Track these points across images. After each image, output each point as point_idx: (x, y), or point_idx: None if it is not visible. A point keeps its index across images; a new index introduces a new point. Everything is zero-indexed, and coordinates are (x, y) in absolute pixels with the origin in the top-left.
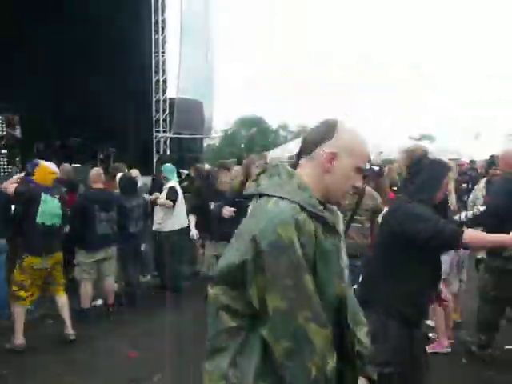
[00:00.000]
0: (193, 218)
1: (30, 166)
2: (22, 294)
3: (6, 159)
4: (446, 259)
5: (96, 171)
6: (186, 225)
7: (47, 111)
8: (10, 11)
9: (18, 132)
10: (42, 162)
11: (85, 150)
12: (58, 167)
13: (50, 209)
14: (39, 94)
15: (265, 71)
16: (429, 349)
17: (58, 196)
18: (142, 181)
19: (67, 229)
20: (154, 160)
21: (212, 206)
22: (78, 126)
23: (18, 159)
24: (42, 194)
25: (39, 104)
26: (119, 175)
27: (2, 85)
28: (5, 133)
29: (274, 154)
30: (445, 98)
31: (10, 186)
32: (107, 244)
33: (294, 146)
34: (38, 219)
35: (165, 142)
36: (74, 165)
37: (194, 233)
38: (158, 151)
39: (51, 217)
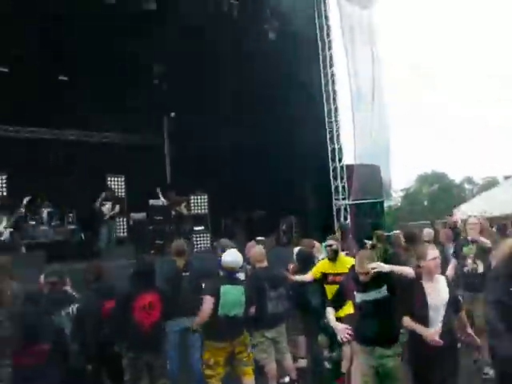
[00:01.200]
0: None
1: (220, 248)
2: (209, 372)
3: (201, 235)
4: None
5: (259, 249)
6: None
7: (232, 187)
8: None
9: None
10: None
11: (268, 221)
12: (245, 241)
13: (231, 299)
14: (225, 172)
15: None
16: None
17: (239, 285)
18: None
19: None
20: (335, 228)
21: None
22: (260, 199)
23: (208, 235)
24: (221, 286)
25: (225, 181)
26: (296, 249)
27: (193, 167)
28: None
29: (461, 212)
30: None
31: None
32: (279, 321)
33: (480, 202)
34: (220, 311)
35: (345, 209)
36: (258, 238)
37: None
38: (338, 219)
39: (233, 307)
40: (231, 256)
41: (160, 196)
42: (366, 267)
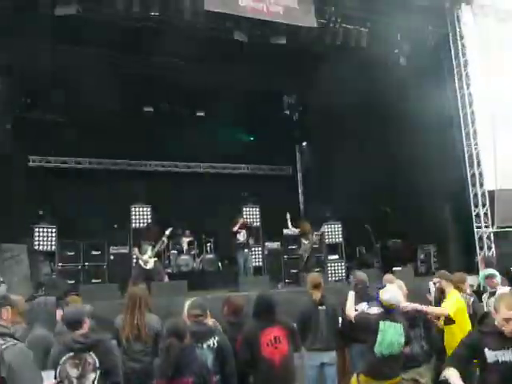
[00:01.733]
0: None
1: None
2: None
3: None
4: None
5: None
6: None
7: (367, 215)
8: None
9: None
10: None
11: (404, 250)
12: (381, 271)
13: (389, 338)
14: (359, 201)
15: None
16: None
17: (399, 322)
18: (469, 281)
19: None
20: (478, 257)
21: None
22: (396, 227)
23: (343, 264)
24: (381, 322)
25: (359, 211)
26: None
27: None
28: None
29: None
30: None
31: (351, 311)
32: (415, 364)
33: None
34: (376, 349)
35: (488, 238)
36: (395, 268)
37: None
38: (481, 247)
39: (390, 346)
40: (390, 293)
41: (289, 224)
42: None
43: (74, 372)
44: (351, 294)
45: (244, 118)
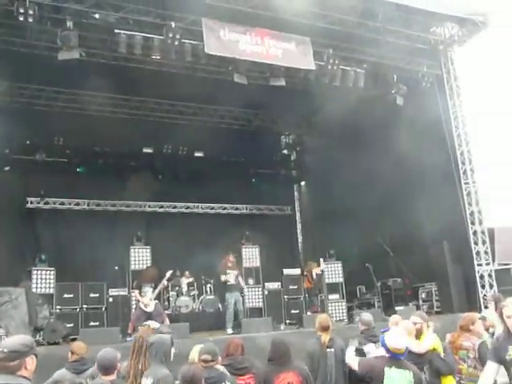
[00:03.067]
0: None
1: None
2: None
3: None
4: None
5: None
6: None
7: (366, 255)
8: None
9: None
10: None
11: (405, 289)
12: (383, 310)
13: None
14: (357, 240)
15: None
16: None
17: (408, 369)
18: None
19: None
20: (480, 296)
21: None
22: (396, 266)
23: (344, 304)
24: (386, 368)
25: (357, 250)
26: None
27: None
28: None
29: None
30: None
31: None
32: None
33: None
34: None
35: (489, 275)
36: (397, 308)
37: None
38: (482, 286)
39: None
40: (395, 337)
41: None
42: None
43: None
44: (351, 348)
45: (242, 158)
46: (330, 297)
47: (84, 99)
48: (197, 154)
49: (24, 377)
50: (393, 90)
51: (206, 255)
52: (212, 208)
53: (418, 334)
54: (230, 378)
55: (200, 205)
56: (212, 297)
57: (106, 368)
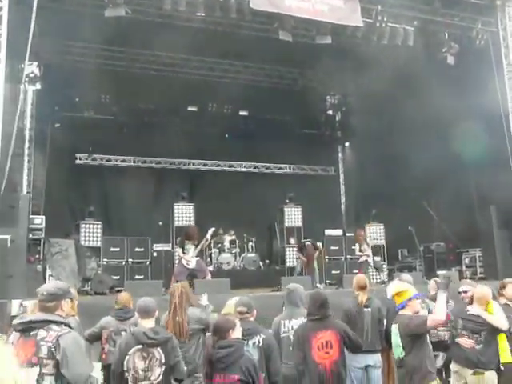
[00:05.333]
0: None
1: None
2: None
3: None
4: None
5: None
6: None
7: (409, 218)
8: None
9: None
10: None
11: (449, 254)
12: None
13: None
14: (400, 202)
15: None
16: None
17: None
18: None
19: None
20: None
21: None
22: (439, 230)
23: (385, 266)
24: None
25: (401, 212)
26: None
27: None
28: None
29: None
30: None
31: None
32: None
33: None
34: None
35: None
36: (439, 272)
37: None
38: None
39: None
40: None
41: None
42: None
43: (141, 364)
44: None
45: (287, 118)
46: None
47: (129, 57)
48: (241, 113)
49: (60, 315)
50: (444, 48)
51: (249, 214)
52: (255, 167)
53: (470, 301)
54: (265, 331)
55: (244, 163)
56: (253, 255)
57: (145, 312)
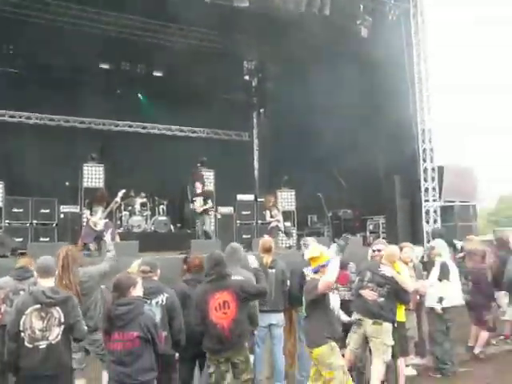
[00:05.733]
0: None
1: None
2: None
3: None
4: None
5: None
6: (461, 302)
7: (318, 186)
8: None
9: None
10: None
11: (355, 220)
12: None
13: None
14: (311, 170)
15: None
16: None
17: None
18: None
19: None
20: (424, 230)
21: None
22: (348, 198)
23: (294, 232)
24: None
25: (311, 180)
26: None
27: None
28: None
29: None
30: None
31: None
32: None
33: None
34: None
35: (434, 212)
36: (344, 235)
37: None
38: (427, 221)
39: None
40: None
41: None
42: None
43: (38, 324)
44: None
45: (202, 81)
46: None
47: (38, 7)
48: (156, 74)
49: None
50: (358, 20)
51: (161, 177)
52: (169, 129)
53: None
54: (169, 290)
55: (157, 125)
56: (164, 218)
57: (45, 271)
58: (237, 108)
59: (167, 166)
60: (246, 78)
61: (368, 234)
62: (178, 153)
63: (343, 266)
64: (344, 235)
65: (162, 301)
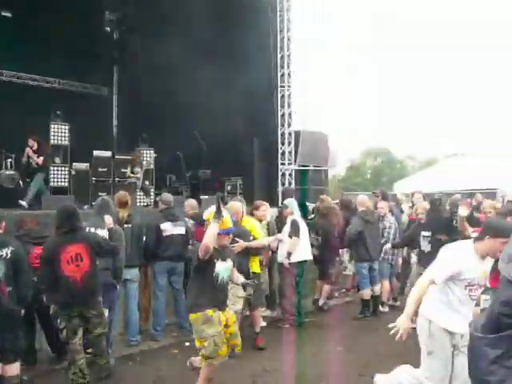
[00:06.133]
0: None
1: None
2: None
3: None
4: None
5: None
6: (309, 258)
7: (179, 145)
8: None
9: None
10: None
11: (213, 181)
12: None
13: None
14: (172, 129)
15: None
16: None
17: None
18: (270, 213)
19: None
20: (280, 192)
21: None
22: (207, 159)
23: (152, 190)
24: None
25: (172, 139)
26: None
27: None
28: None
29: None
30: None
31: None
32: None
33: (421, 178)
34: None
35: (290, 175)
36: (202, 196)
37: None
38: (283, 183)
39: None
40: None
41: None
42: None
43: None
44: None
45: (59, 28)
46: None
47: None
48: (4, 14)
49: None
50: None
51: (11, 129)
52: (18, 77)
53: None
54: (15, 243)
55: (4, 72)
56: (12, 172)
57: None
58: (96, 61)
59: (17, 117)
60: (108, 29)
61: (226, 194)
62: (30, 104)
63: (201, 223)
64: (217, 194)
65: (7, 254)
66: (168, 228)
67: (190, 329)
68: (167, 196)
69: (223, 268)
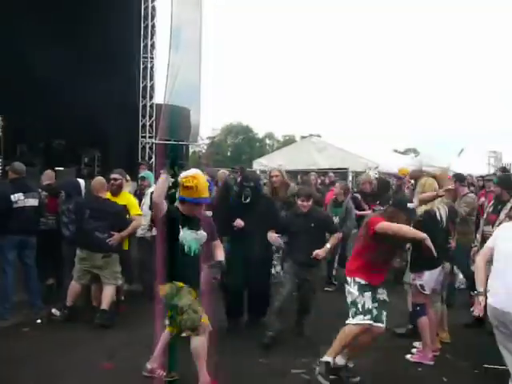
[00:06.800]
0: None
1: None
2: None
3: None
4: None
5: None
6: None
7: (32, 113)
8: None
9: None
10: None
11: (69, 153)
12: (43, 170)
13: None
14: (23, 96)
15: (253, 80)
16: (413, 358)
17: None
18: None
19: None
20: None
21: None
22: (62, 129)
23: (0, 160)
24: None
25: (23, 106)
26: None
27: None
28: None
29: (259, 164)
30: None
31: None
32: None
33: (279, 156)
34: None
35: (150, 148)
36: (57, 168)
37: None
38: (143, 157)
39: None
40: None
41: None
42: None
43: None
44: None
45: None
46: None
47: None
48: None
49: None
50: None
51: None
52: None
53: (119, 190)
54: None
55: None
56: None
57: None
58: None
59: None
60: None
61: (83, 166)
62: None
63: (55, 195)
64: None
65: None
66: (20, 199)
67: (41, 306)
68: (19, 165)
69: (190, 238)
